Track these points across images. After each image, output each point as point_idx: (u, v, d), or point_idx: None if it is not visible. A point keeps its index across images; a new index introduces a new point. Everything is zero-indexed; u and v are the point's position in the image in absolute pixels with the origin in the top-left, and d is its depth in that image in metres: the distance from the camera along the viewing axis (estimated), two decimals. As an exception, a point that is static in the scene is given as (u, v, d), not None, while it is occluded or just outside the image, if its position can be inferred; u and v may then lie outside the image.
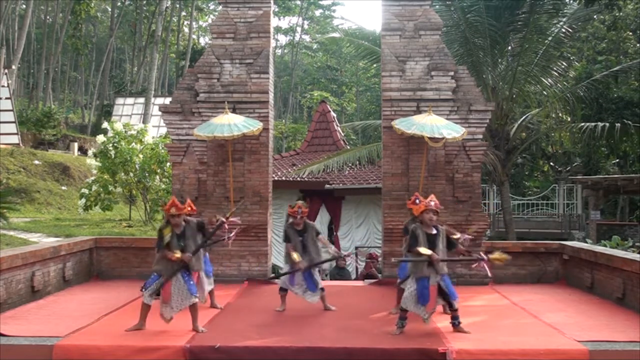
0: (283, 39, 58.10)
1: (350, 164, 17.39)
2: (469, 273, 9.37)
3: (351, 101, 54.01)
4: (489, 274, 6.90)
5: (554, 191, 27.72)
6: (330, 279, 13.29)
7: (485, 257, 6.69)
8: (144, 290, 6.67)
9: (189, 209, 6.97)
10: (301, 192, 16.49)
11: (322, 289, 7.79)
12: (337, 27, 51.77)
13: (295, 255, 7.47)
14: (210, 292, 7.90)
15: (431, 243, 6.52)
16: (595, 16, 24.97)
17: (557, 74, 19.41)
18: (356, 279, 13.83)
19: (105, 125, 21.48)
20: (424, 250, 6.43)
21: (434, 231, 6.61)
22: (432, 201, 6.66)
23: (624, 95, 24.79)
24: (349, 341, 6.20)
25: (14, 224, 17.10)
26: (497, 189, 22.97)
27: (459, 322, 6.56)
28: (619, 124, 19.18)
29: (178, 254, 6.50)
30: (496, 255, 6.66)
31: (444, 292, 6.58)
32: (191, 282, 6.62)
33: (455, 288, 6.72)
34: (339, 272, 12.84)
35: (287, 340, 6.21)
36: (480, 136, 10.19)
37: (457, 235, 6.92)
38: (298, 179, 16.53)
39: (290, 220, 7.86)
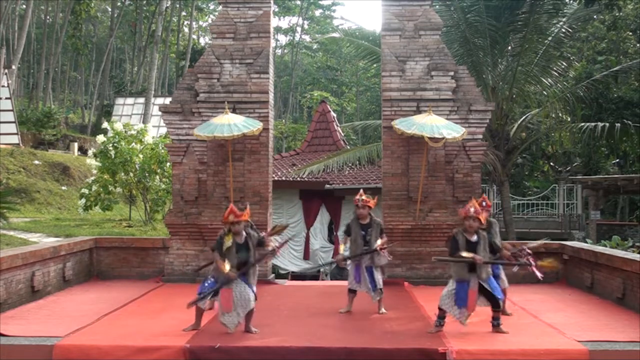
0: (283, 39, 58.09)
1: (350, 164, 17.39)
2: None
3: (351, 101, 53.97)
4: (540, 277, 7.04)
5: (554, 191, 27.69)
6: (331, 279, 13.33)
7: (533, 262, 6.80)
8: (199, 295, 6.50)
9: (246, 216, 6.60)
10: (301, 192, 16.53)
11: (381, 290, 7.61)
12: (337, 27, 51.67)
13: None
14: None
15: (471, 250, 6.48)
16: (595, 16, 24.97)
17: (557, 74, 19.42)
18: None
19: (105, 125, 21.45)
20: (465, 254, 6.41)
21: (475, 238, 6.58)
22: (472, 207, 6.60)
23: (624, 95, 24.78)
24: (349, 341, 6.20)
25: (14, 224, 17.09)
26: (497, 189, 22.95)
27: (499, 323, 6.56)
28: (619, 124, 19.18)
29: (227, 268, 6.39)
30: (546, 262, 6.89)
31: (489, 293, 6.55)
32: (252, 286, 6.53)
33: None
34: (339, 272, 12.85)
35: (287, 340, 6.21)
36: (480, 136, 10.19)
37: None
38: (298, 179, 16.52)
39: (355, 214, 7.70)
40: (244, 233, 6.59)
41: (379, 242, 7.54)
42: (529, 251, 7.07)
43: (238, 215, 6.50)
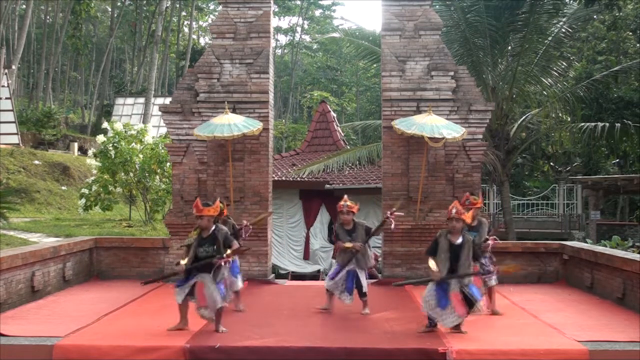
0: (283, 39, 58.08)
1: (350, 164, 17.39)
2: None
3: (351, 101, 53.95)
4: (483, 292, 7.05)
5: (554, 191, 27.70)
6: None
7: (493, 269, 6.97)
8: (176, 288, 6.62)
9: (212, 212, 6.56)
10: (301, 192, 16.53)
11: (365, 294, 7.59)
12: (337, 27, 51.66)
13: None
14: (236, 292, 7.61)
15: (452, 253, 6.37)
16: (595, 16, 24.97)
17: (557, 74, 19.42)
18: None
19: (105, 125, 21.45)
20: (432, 265, 6.36)
21: (459, 241, 6.43)
22: (454, 208, 6.45)
23: (624, 95, 24.77)
24: (349, 341, 6.20)
25: (14, 224, 17.08)
26: (497, 189, 22.97)
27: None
28: (619, 124, 19.18)
29: (182, 262, 6.48)
30: (511, 267, 7.02)
31: (467, 297, 6.43)
32: (221, 286, 6.53)
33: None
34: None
35: (287, 340, 6.21)
36: (480, 136, 10.19)
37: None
38: (298, 179, 16.52)
39: (339, 219, 7.74)
40: (212, 227, 6.57)
41: (359, 242, 7.56)
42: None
43: (200, 210, 6.50)
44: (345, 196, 7.91)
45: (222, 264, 6.51)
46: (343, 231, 7.69)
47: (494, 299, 7.67)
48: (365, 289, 7.60)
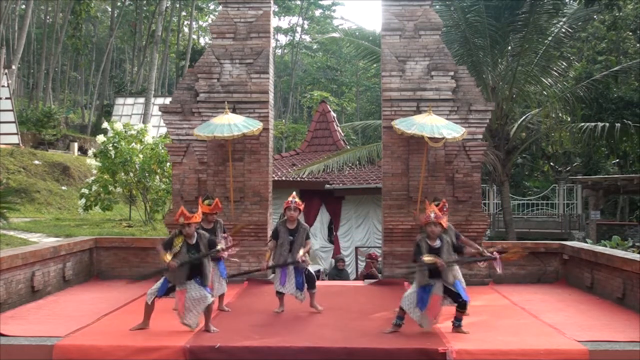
0: (283, 39, 58.12)
1: (350, 164, 17.39)
2: (469, 273, 9.36)
3: (351, 101, 53.95)
4: (500, 271, 6.93)
5: (554, 191, 27.71)
6: (329, 279, 13.32)
7: (497, 255, 6.70)
8: (149, 291, 6.65)
9: (197, 218, 6.65)
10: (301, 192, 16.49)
11: (300, 290, 7.66)
12: (337, 27, 51.72)
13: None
14: (221, 296, 7.79)
15: (434, 256, 6.46)
16: (595, 16, 24.96)
17: (557, 74, 19.41)
18: (356, 279, 13.85)
19: (105, 125, 21.44)
20: (427, 257, 6.38)
21: (437, 243, 6.55)
22: (433, 212, 6.59)
23: (624, 95, 24.77)
24: (349, 341, 6.20)
25: (14, 224, 17.08)
26: (497, 189, 22.98)
27: (460, 324, 6.55)
28: (619, 124, 19.19)
29: (168, 258, 6.46)
30: (510, 253, 6.77)
31: (454, 294, 6.53)
32: (206, 286, 6.56)
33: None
34: (338, 274, 12.85)
35: (287, 340, 6.21)
36: (480, 136, 10.19)
37: (480, 250, 7.10)
38: (298, 179, 16.52)
39: (284, 217, 7.73)
40: (195, 234, 6.61)
41: (301, 252, 7.51)
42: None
43: (188, 218, 6.50)
44: (294, 192, 7.92)
45: (209, 264, 6.65)
46: (286, 231, 7.62)
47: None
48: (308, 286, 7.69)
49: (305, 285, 7.69)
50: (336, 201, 16.71)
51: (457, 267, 6.92)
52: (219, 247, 6.81)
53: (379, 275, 11.13)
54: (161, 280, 6.67)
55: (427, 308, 6.44)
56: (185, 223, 6.50)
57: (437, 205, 7.38)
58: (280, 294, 7.78)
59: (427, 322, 6.52)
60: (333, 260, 16.48)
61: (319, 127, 19.25)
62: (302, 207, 7.73)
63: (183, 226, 6.53)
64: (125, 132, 19.77)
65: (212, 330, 6.49)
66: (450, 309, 6.70)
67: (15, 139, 29.89)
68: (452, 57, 10.71)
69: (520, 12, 17.96)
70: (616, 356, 5.86)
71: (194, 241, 6.60)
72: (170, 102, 10.51)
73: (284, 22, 56.34)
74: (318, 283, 8.23)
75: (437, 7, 17.57)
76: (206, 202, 7.80)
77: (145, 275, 7.72)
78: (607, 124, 19.18)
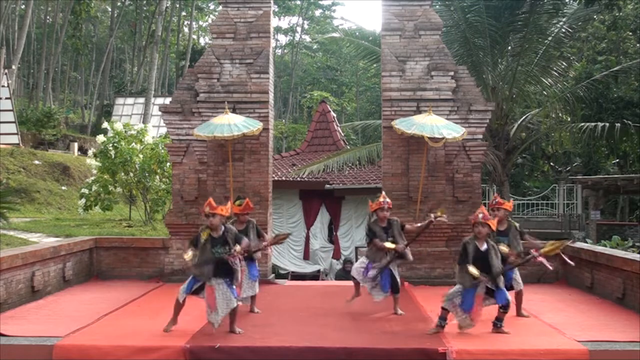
0: (283, 39, 58.06)
1: (350, 164, 17.38)
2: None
3: (351, 101, 53.91)
4: (550, 267, 6.78)
5: (554, 191, 27.68)
6: (336, 279, 13.37)
7: (536, 253, 6.55)
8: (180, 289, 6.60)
9: (225, 211, 6.49)
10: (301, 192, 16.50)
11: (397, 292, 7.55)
12: (337, 27, 51.77)
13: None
14: (252, 297, 7.68)
15: (482, 260, 6.34)
16: (595, 16, 24.93)
17: (557, 74, 19.44)
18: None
19: (105, 125, 21.42)
20: (472, 270, 6.24)
21: (485, 247, 6.41)
22: (481, 213, 6.42)
23: (624, 95, 24.75)
24: (349, 341, 6.20)
25: (14, 224, 17.06)
26: (497, 189, 22.96)
27: (501, 325, 6.50)
28: (619, 124, 19.20)
29: (187, 256, 6.42)
30: (548, 247, 6.56)
31: (495, 293, 6.45)
32: (233, 287, 6.49)
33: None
34: (345, 276, 12.84)
35: (287, 340, 6.21)
36: (480, 136, 10.19)
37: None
38: (298, 179, 16.52)
39: (374, 217, 7.69)
40: (222, 227, 6.48)
41: (237, 247, 7.14)
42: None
43: (213, 208, 6.40)
44: (384, 192, 7.89)
45: (239, 267, 6.49)
46: (380, 228, 7.67)
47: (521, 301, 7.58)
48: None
49: (390, 288, 7.54)
50: (336, 201, 16.71)
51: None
52: (234, 249, 6.41)
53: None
54: (189, 281, 6.59)
55: (472, 310, 6.34)
56: (210, 212, 6.37)
57: (503, 199, 7.28)
58: (357, 284, 7.69)
59: (468, 323, 6.42)
60: (333, 261, 16.50)
61: (319, 127, 19.25)
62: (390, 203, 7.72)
63: (207, 216, 6.40)
64: (125, 132, 19.75)
65: (237, 332, 6.45)
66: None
67: (15, 139, 29.87)
68: (452, 57, 10.72)
69: (520, 12, 17.97)
70: (616, 356, 5.86)
71: (219, 234, 6.45)
72: (170, 102, 10.51)
73: (284, 22, 56.35)
74: (318, 283, 8.23)
75: (437, 7, 17.59)
76: (237, 202, 7.65)
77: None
78: (607, 124, 19.19)
